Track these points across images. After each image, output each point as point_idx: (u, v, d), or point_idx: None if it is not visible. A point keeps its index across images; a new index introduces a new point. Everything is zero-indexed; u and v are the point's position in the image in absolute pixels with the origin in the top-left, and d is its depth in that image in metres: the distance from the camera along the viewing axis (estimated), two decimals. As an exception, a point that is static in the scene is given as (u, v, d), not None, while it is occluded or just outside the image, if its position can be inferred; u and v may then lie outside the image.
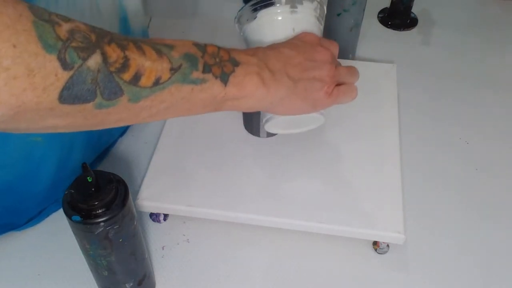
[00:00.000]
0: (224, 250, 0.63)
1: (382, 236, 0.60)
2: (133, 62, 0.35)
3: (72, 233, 0.47)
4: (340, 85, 0.55)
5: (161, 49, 0.38)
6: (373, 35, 0.93)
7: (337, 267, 0.62)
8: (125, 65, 0.34)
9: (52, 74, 0.31)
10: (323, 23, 0.60)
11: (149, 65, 0.36)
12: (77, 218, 0.45)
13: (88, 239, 0.47)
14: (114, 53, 0.34)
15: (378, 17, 0.98)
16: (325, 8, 0.60)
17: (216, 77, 0.41)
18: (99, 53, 0.33)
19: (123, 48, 0.35)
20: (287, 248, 0.64)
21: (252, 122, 0.68)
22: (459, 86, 0.85)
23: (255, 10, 0.57)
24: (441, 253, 0.63)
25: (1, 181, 0.57)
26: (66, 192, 0.46)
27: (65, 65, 0.31)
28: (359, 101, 0.74)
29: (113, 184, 0.46)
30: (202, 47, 0.42)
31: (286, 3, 0.56)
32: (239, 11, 0.60)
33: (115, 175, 0.48)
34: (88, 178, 0.44)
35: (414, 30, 0.95)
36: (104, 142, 0.72)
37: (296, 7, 0.56)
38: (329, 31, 0.83)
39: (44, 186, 0.62)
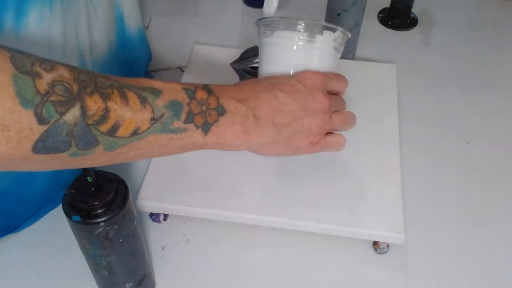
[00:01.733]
0: (224, 250, 0.63)
1: (382, 236, 0.60)
2: (113, 113, 0.35)
3: (72, 233, 0.47)
4: (329, 135, 0.53)
5: (146, 96, 0.37)
6: (373, 35, 0.93)
7: (337, 267, 0.62)
8: (104, 117, 0.34)
9: (27, 129, 0.31)
10: (342, 49, 0.56)
11: (130, 116, 0.36)
12: (77, 218, 0.45)
13: (88, 239, 0.47)
14: (95, 105, 0.34)
15: (378, 17, 0.98)
16: (349, 34, 0.55)
17: (198, 127, 0.40)
18: (79, 106, 0.33)
19: (105, 98, 0.34)
20: (287, 248, 0.64)
21: (252, 122, 0.68)
22: (459, 86, 0.85)
23: (273, 27, 0.54)
24: (441, 253, 0.63)
25: None
26: (66, 192, 0.46)
27: (41, 120, 0.31)
28: (359, 101, 0.75)
29: (113, 184, 0.46)
30: (192, 93, 0.41)
31: (305, 30, 0.51)
32: (263, 18, 0.56)
33: (115, 175, 0.48)
34: (88, 178, 0.44)
35: (414, 30, 0.95)
36: None
37: (315, 37, 0.51)
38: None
39: (40, 189, 0.61)
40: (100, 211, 0.45)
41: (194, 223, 0.66)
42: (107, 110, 0.34)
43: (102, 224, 0.45)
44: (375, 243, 0.63)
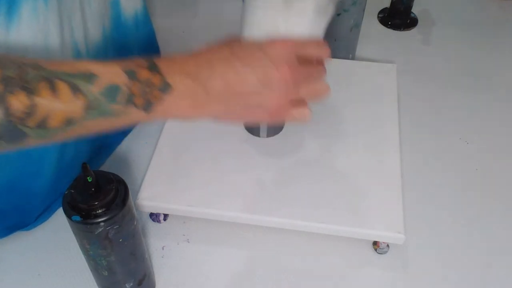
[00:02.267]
0: (224, 250, 0.63)
1: (382, 236, 0.60)
2: (40, 108, 0.34)
3: (72, 233, 0.47)
4: (294, 107, 0.48)
5: (79, 85, 0.36)
6: (373, 35, 0.93)
7: (337, 267, 0.62)
8: (30, 113, 0.34)
9: None
10: (329, 13, 0.51)
11: (60, 108, 0.35)
12: (77, 218, 0.45)
13: (88, 239, 0.47)
14: (19, 103, 0.33)
15: (378, 17, 0.98)
16: None
17: (138, 107, 0.39)
18: (2, 107, 0.33)
19: (31, 93, 0.34)
20: (287, 248, 0.64)
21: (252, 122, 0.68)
22: (459, 86, 0.85)
23: None
24: (441, 253, 0.63)
25: (3, 181, 0.57)
26: (66, 192, 0.46)
27: None
28: (359, 101, 0.75)
29: (113, 184, 0.46)
30: (133, 74, 0.38)
31: None
32: None
33: (115, 175, 0.48)
34: (88, 178, 0.44)
35: (414, 30, 0.95)
36: (105, 138, 0.72)
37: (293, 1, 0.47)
38: (329, 31, 0.83)
39: (46, 182, 0.61)
40: (100, 211, 0.45)
41: (194, 223, 0.66)
42: (33, 106, 0.33)
43: (102, 224, 0.45)
44: (375, 243, 0.63)
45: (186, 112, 0.42)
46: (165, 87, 0.39)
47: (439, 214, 0.67)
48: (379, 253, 0.63)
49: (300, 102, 0.48)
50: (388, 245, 0.63)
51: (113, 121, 0.38)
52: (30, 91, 0.33)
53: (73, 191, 0.45)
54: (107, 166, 0.72)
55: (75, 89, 0.35)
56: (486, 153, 0.75)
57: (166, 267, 0.62)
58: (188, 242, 0.64)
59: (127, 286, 0.54)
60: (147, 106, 0.39)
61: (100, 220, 0.45)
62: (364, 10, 0.79)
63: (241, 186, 0.64)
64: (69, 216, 0.45)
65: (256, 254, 0.63)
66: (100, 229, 0.45)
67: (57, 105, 0.35)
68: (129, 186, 0.48)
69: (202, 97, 0.42)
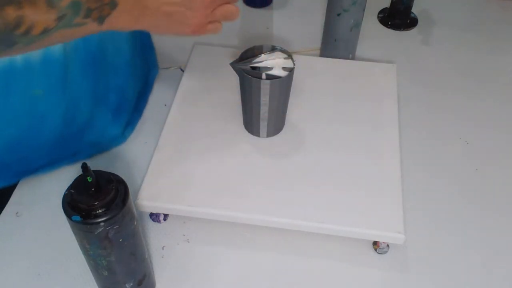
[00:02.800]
0: (224, 250, 0.63)
1: (382, 236, 0.60)
2: (26, 19, 0.41)
3: (72, 233, 0.47)
4: (210, 23, 0.62)
5: (53, 0, 0.43)
6: (373, 35, 0.93)
7: (337, 267, 0.62)
8: (19, 23, 0.41)
9: None
10: None
11: (40, 19, 0.42)
12: (77, 218, 0.45)
13: (88, 239, 0.47)
14: (12, 15, 0.40)
15: (378, 17, 0.98)
16: None
17: (94, 20, 0.47)
18: (1, 18, 0.40)
19: (19, 7, 0.41)
20: (287, 248, 0.64)
21: (252, 122, 0.68)
22: (459, 86, 0.85)
23: None
24: (441, 253, 0.63)
25: (9, 136, 0.62)
26: (66, 192, 0.46)
27: None
28: (359, 101, 0.75)
29: (113, 184, 0.46)
30: None
31: None
32: None
33: (115, 175, 0.48)
34: (88, 178, 0.44)
35: (414, 30, 0.95)
36: (114, 100, 0.73)
37: None
38: (329, 31, 0.83)
39: (50, 139, 0.66)
40: (100, 211, 0.45)
41: (194, 223, 0.66)
42: (21, 17, 0.41)
43: (102, 224, 0.45)
44: (375, 243, 0.63)
45: (128, 24, 0.51)
46: (113, 3, 0.48)
47: (439, 214, 0.67)
48: (379, 253, 0.63)
49: (214, 20, 0.62)
50: (388, 245, 0.63)
51: (74, 32, 0.47)
52: (18, 5, 0.41)
53: (73, 191, 0.45)
54: (107, 166, 0.72)
55: (49, 3, 0.43)
56: (486, 153, 0.75)
57: (166, 267, 0.62)
58: (188, 242, 0.64)
59: (127, 286, 0.54)
60: (100, 19, 0.47)
61: (100, 220, 0.45)
62: (364, 10, 0.79)
63: (241, 186, 0.64)
64: (69, 216, 0.45)
65: (256, 254, 0.63)
66: (100, 229, 0.45)
67: (37, 16, 0.42)
68: (129, 186, 0.48)
69: (140, 12, 0.51)
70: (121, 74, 0.73)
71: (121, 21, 0.50)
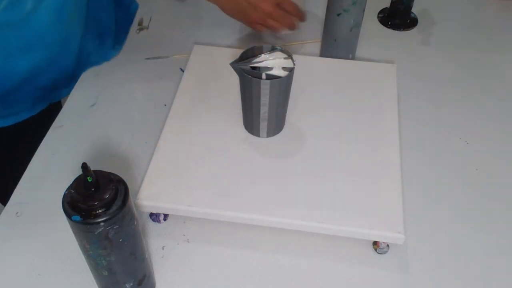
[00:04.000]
0: (224, 250, 0.63)
1: (382, 236, 0.60)
2: None
3: (72, 233, 0.47)
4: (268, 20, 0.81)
5: None
6: (373, 35, 0.93)
7: (337, 267, 0.62)
8: None
9: None
10: None
11: None
12: (77, 218, 0.45)
13: (88, 239, 0.47)
14: None
15: (378, 17, 0.98)
16: None
17: None
18: None
19: None
20: (287, 248, 0.64)
21: (252, 122, 0.68)
22: (459, 86, 0.85)
23: None
24: (441, 253, 0.63)
25: (46, 59, 0.74)
26: (66, 192, 0.46)
27: None
28: (359, 101, 0.75)
29: (113, 184, 0.46)
30: None
31: None
32: None
33: (115, 175, 0.48)
34: (88, 178, 0.44)
35: (414, 30, 0.95)
36: (98, 28, 0.85)
37: None
38: (329, 31, 0.83)
39: (72, 61, 0.79)
40: (100, 211, 0.45)
41: (194, 223, 0.66)
42: None
43: (102, 224, 0.45)
44: (375, 243, 0.63)
45: None
46: None
47: (439, 214, 0.67)
48: (379, 253, 0.63)
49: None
50: (388, 245, 0.63)
51: None
52: None
53: (73, 191, 0.45)
54: (107, 166, 0.71)
55: None
56: (486, 153, 0.75)
57: (166, 267, 0.62)
58: (188, 242, 0.64)
59: (127, 286, 0.54)
60: None
61: (100, 220, 0.45)
62: (364, 10, 0.79)
63: (241, 186, 0.64)
64: (69, 216, 0.45)
65: (256, 254, 0.63)
66: (100, 229, 0.45)
67: None
68: (129, 186, 0.48)
69: None
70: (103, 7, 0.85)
71: None
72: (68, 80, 0.84)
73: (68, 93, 0.83)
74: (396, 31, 0.95)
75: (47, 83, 0.80)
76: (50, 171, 0.71)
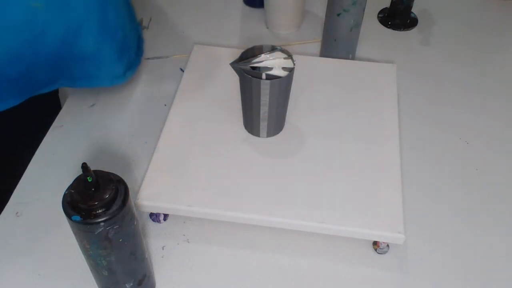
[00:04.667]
0: (224, 250, 0.63)
1: (382, 236, 0.60)
2: None
3: (72, 233, 0.47)
4: None
5: None
6: (373, 35, 0.93)
7: (337, 267, 0.62)
8: None
9: None
10: None
11: None
12: (77, 218, 0.45)
13: (88, 239, 0.47)
14: None
15: (378, 17, 0.98)
16: None
17: None
18: None
19: None
20: (287, 248, 0.64)
21: (252, 122, 0.68)
22: (459, 86, 0.85)
23: None
24: (441, 253, 0.63)
25: (11, 49, 0.63)
26: (66, 192, 0.46)
27: None
28: (359, 101, 0.75)
29: (113, 184, 0.46)
30: None
31: None
32: None
33: (115, 175, 0.48)
34: (88, 178, 0.44)
35: (414, 30, 0.95)
36: (120, 38, 0.74)
37: None
38: (329, 31, 0.83)
39: (50, 57, 0.67)
40: (100, 211, 0.45)
41: (194, 223, 0.66)
42: None
43: (102, 224, 0.45)
44: (375, 243, 0.63)
45: None
46: None
47: (439, 214, 0.67)
48: (379, 253, 0.63)
49: None
50: (388, 245, 0.63)
51: None
52: None
53: (73, 191, 0.45)
54: (107, 166, 0.72)
55: None
56: (486, 153, 0.75)
57: (166, 267, 0.62)
58: (188, 242, 0.64)
59: (127, 286, 0.54)
60: None
61: (100, 220, 0.45)
62: (364, 10, 0.80)
63: (241, 186, 0.64)
64: (69, 216, 0.45)
65: (256, 254, 0.63)
66: (100, 229, 0.45)
67: None
68: (129, 186, 0.48)
69: None
70: (123, 14, 0.74)
71: None
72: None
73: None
74: (396, 31, 0.95)
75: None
76: (50, 171, 0.71)
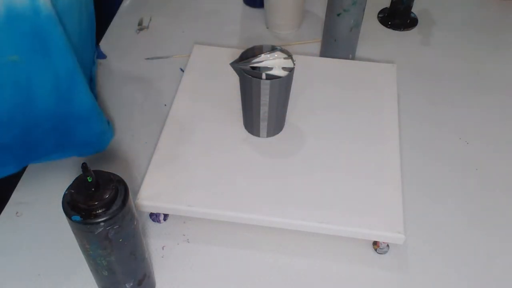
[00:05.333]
0: (224, 250, 0.63)
1: (382, 236, 0.60)
2: None
3: (72, 233, 0.47)
4: None
5: None
6: (373, 35, 0.93)
7: (337, 267, 0.62)
8: None
9: None
10: None
11: None
12: (77, 218, 0.45)
13: (88, 239, 0.47)
14: None
15: (378, 17, 0.98)
16: None
17: None
18: None
19: None
20: (287, 248, 0.64)
21: (252, 122, 0.68)
22: (459, 86, 0.85)
23: None
24: (441, 253, 0.63)
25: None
26: (66, 192, 0.46)
27: None
28: (359, 101, 0.75)
29: (113, 184, 0.46)
30: None
31: None
32: None
33: (115, 175, 0.48)
34: (88, 178, 0.44)
35: (414, 30, 0.95)
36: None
37: None
38: (329, 31, 0.83)
39: (46, 115, 0.60)
40: (100, 211, 0.45)
41: (194, 223, 0.66)
42: None
43: (102, 224, 0.45)
44: (375, 243, 0.63)
45: None
46: None
47: (439, 214, 0.67)
48: (379, 253, 0.63)
49: None
50: (388, 245, 0.63)
51: None
52: None
53: (73, 191, 0.45)
54: (107, 166, 0.72)
55: None
56: (486, 153, 0.75)
57: (166, 267, 0.62)
58: (188, 242, 0.64)
59: (127, 286, 0.54)
60: None
61: (100, 220, 0.45)
62: (364, 10, 0.80)
63: (241, 186, 0.64)
64: (69, 216, 0.45)
65: (256, 254, 0.63)
66: (100, 229, 0.45)
67: None
68: (129, 186, 0.48)
69: None
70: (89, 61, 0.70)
71: None
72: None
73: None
74: (396, 31, 0.95)
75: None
76: (50, 171, 0.71)
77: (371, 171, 0.65)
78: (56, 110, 0.61)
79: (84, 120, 0.64)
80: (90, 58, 0.76)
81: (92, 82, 0.77)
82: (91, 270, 0.53)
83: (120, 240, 0.48)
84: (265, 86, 0.62)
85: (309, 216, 0.61)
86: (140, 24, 0.95)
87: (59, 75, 0.59)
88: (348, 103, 0.75)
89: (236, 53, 0.66)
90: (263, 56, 0.65)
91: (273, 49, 0.66)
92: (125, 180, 0.48)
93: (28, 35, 0.54)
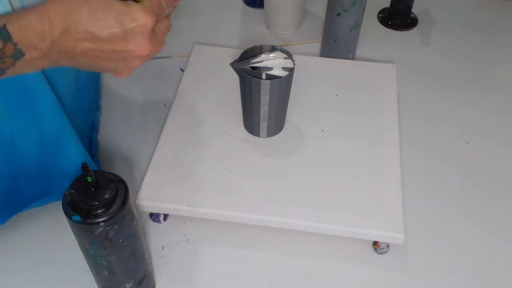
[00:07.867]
0: (224, 250, 0.63)
1: (382, 236, 0.60)
2: None
3: (72, 233, 0.47)
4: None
5: None
6: (373, 35, 0.93)
7: (337, 267, 0.62)
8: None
9: None
10: None
11: None
12: (77, 218, 0.45)
13: (88, 239, 0.47)
14: None
15: (378, 17, 0.98)
16: None
17: None
18: None
19: None
20: (287, 248, 0.64)
21: (252, 122, 0.68)
22: (459, 86, 0.85)
23: None
24: (441, 253, 0.63)
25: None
26: (66, 192, 0.46)
27: None
28: (359, 101, 0.75)
29: (113, 184, 0.46)
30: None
31: None
32: None
33: (115, 175, 0.48)
34: (88, 178, 0.44)
35: (414, 30, 0.95)
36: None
37: None
38: (329, 31, 0.83)
39: (30, 170, 0.59)
40: (100, 211, 0.45)
41: (194, 223, 0.66)
42: None
43: (102, 224, 0.45)
44: (375, 243, 0.63)
45: (37, 68, 0.44)
46: (18, 53, 0.41)
47: (439, 214, 0.67)
48: (379, 253, 0.63)
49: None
50: (388, 245, 0.63)
51: None
52: None
53: (73, 191, 0.45)
54: (107, 166, 0.72)
55: None
56: (486, 153, 0.75)
57: (166, 267, 0.62)
58: (188, 242, 0.64)
59: (127, 286, 0.54)
60: (0, 71, 0.41)
61: (100, 220, 0.45)
62: (364, 10, 0.80)
63: (241, 186, 0.64)
64: (69, 216, 0.45)
65: (256, 254, 0.63)
66: (100, 229, 0.45)
67: None
68: (129, 186, 0.48)
69: (56, 58, 0.43)
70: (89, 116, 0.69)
71: (29, 69, 0.43)
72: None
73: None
74: (396, 31, 0.95)
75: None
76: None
77: (371, 171, 0.65)
78: (41, 164, 0.60)
79: (70, 176, 0.59)
80: (92, 106, 0.76)
81: (94, 130, 0.76)
82: (91, 270, 0.54)
83: (120, 240, 0.48)
84: (265, 86, 0.62)
85: (309, 216, 0.61)
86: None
87: (44, 131, 0.57)
88: (348, 103, 0.75)
89: (236, 53, 0.67)
90: (263, 56, 0.65)
91: (273, 49, 0.66)
92: (125, 180, 0.48)
93: (13, 93, 0.53)
